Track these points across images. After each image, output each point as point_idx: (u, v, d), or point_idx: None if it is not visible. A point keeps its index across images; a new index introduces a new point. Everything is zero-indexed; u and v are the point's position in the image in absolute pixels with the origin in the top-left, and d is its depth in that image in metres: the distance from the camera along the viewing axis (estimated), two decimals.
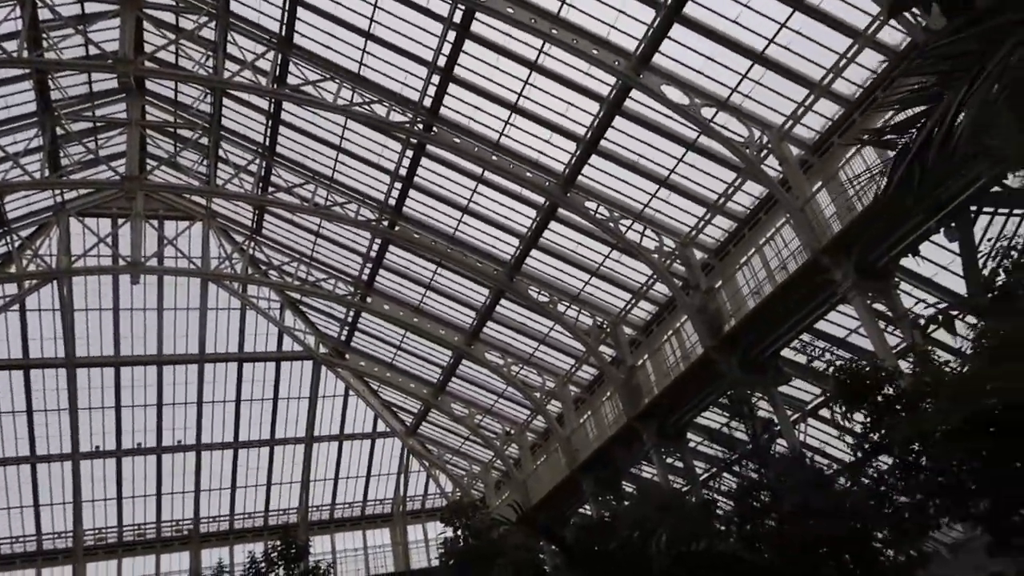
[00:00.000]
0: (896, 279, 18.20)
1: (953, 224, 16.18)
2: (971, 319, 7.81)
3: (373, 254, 29.64)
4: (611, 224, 23.09)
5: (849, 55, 18.16)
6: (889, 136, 5.15)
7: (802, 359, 22.19)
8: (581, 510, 30.45)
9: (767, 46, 18.60)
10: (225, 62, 23.83)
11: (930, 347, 8.97)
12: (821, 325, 20.92)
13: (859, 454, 8.91)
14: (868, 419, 8.71)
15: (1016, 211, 17.45)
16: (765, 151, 19.72)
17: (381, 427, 38.36)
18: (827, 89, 18.86)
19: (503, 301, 29.03)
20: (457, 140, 23.17)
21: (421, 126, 23.18)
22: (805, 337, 21.24)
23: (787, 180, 19.49)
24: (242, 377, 35.09)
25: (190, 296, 33.39)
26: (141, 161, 28.59)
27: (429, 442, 38.57)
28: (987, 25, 4.21)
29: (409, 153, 25.03)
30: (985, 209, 17.57)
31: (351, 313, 33.28)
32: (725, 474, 24.88)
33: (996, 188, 16.45)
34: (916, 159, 4.56)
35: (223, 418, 35.60)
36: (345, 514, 39.43)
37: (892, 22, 16.95)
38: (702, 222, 23.00)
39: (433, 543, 36.63)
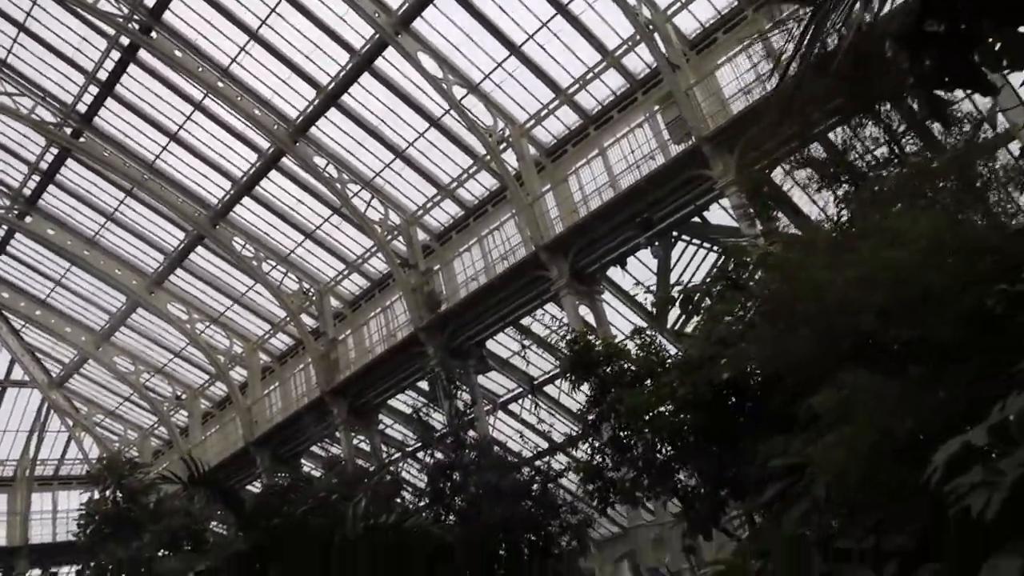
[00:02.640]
0: (601, 287, 19.47)
1: (657, 243, 17.69)
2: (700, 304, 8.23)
3: (44, 165, 24.85)
4: (338, 185, 21.83)
5: (596, 71, 19.14)
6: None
7: (504, 352, 22.98)
8: (250, 487, 28.33)
9: (526, 41, 18.91)
10: None
11: (651, 333, 9.38)
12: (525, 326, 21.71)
13: (581, 429, 8.95)
14: (593, 393, 8.81)
15: (706, 243, 19.68)
16: (505, 144, 20.00)
17: (18, 374, 32.36)
18: (571, 97, 19.69)
19: (200, 249, 26.09)
20: (179, 54, 20.27)
21: (137, 26, 19.91)
22: (509, 331, 21.97)
23: (521, 176, 19.95)
24: None
25: None
26: None
27: (78, 398, 33.37)
28: None
29: (115, 55, 21.37)
30: (684, 236, 19.57)
31: (1, 229, 27.53)
32: (418, 456, 24.88)
33: (696, 220, 18.38)
34: None
35: None
36: None
37: (638, 49, 18.22)
38: (431, 203, 22.72)
39: (64, 516, 31.59)
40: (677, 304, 8.71)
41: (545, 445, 23.66)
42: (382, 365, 22.73)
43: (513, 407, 25.18)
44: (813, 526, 5.07)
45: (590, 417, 8.81)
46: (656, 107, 17.36)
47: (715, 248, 19.36)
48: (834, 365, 5.40)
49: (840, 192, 6.43)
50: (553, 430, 22.70)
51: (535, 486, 16.53)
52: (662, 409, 7.86)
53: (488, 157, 20.11)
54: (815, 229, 6.35)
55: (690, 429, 7.36)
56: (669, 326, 14.80)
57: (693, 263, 19.56)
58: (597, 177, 19.11)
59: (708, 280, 8.50)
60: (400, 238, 22.80)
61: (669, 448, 8.00)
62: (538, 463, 18.43)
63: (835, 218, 6.55)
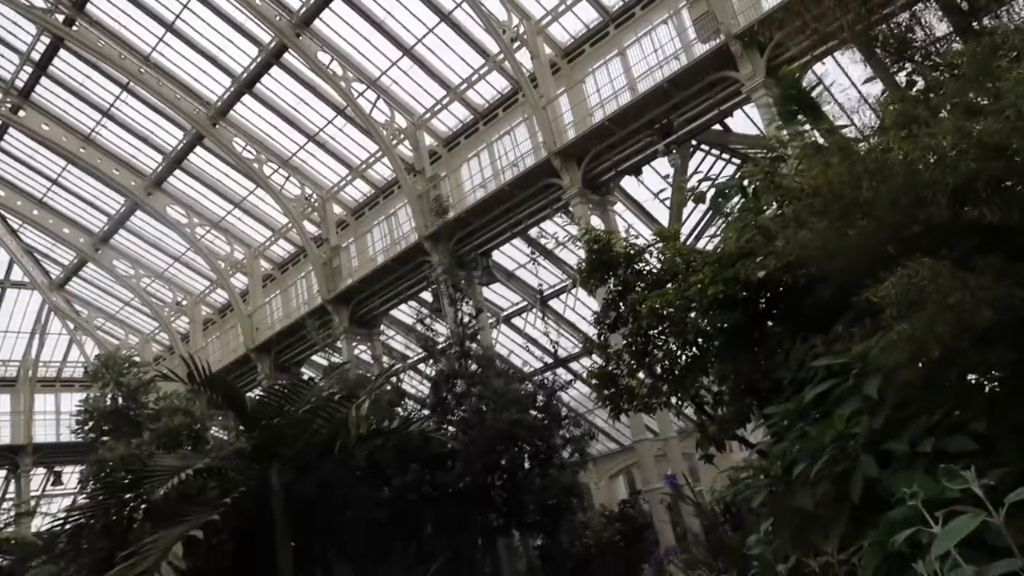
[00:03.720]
0: (614, 197, 18.76)
1: (675, 151, 16.87)
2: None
3: (36, 55, 23.74)
4: (342, 84, 20.82)
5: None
6: None
7: (510, 264, 22.45)
8: (250, 394, 28.29)
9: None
10: None
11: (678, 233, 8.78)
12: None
13: (598, 333, 8.44)
14: (611, 295, 8.25)
15: (725, 153, 18.84)
16: (519, 42, 18.88)
17: (17, 275, 31.99)
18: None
19: (199, 150, 25.24)
20: None
21: None
22: (517, 242, 21.37)
23: (535, 77, 18.90)
24: None
25: None
26: None
27: (78, 301, 33.09)
28: None
29: None
30: (703, 146, 18.72)
31: None
32: (419, 367, 24.67)
33: (718, 127, 17.50)
34: None
35: None
36: None
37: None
38: (439, 105, 21.74)
39: (67, 416, 31.74)
40: (708, 199, 8.07)
41: (549, 360, 23.41)
42: (385, 274, 22.23)
43: (517, 321, 24.82)
44: (863, 427, 4.57)
45: (607, 320, 8.25)
46: (683, 2, 16.23)
47: (734, 159, 18.54)
48: (896, 257, 4.81)
49: (909, 66, 5.69)
50: (558, 346, 22.35)
51: (540, 397, 16.34)
52: (688, 310, 7.33)
53: (501, 56, 19.07)
54: (881, 109, 5.61)
55: (718, 331, 6.82)
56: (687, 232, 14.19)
57: (711, 175, 18.75)
58: (615, 80, 18.13)
59: (739, 175, 7.79)
60: (406, 143, 21.94)
61: (693, 351, 7.50)
62: (542, 377, 18.20)
63: (899, 99, 5.81)
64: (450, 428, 14.44)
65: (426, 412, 15.18)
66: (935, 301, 4.10)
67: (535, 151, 18.91)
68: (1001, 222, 4.57)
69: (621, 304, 8.33)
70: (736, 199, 7.81)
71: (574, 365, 22.56)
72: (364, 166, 23.99)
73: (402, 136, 21.77)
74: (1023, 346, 4.03)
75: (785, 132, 7.94)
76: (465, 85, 20.97)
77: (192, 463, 10.45)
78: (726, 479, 6.33)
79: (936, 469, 4.23)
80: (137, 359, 24.78)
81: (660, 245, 8.62)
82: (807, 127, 7.65)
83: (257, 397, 13.87)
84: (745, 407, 6.47)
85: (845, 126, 7.23)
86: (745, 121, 17.21)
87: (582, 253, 9.21)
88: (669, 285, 7.86)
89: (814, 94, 8.13)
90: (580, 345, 23.07)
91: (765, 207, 6.96)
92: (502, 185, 19.10)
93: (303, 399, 11.54)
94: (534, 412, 15.50)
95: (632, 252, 8.39)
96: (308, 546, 12.29)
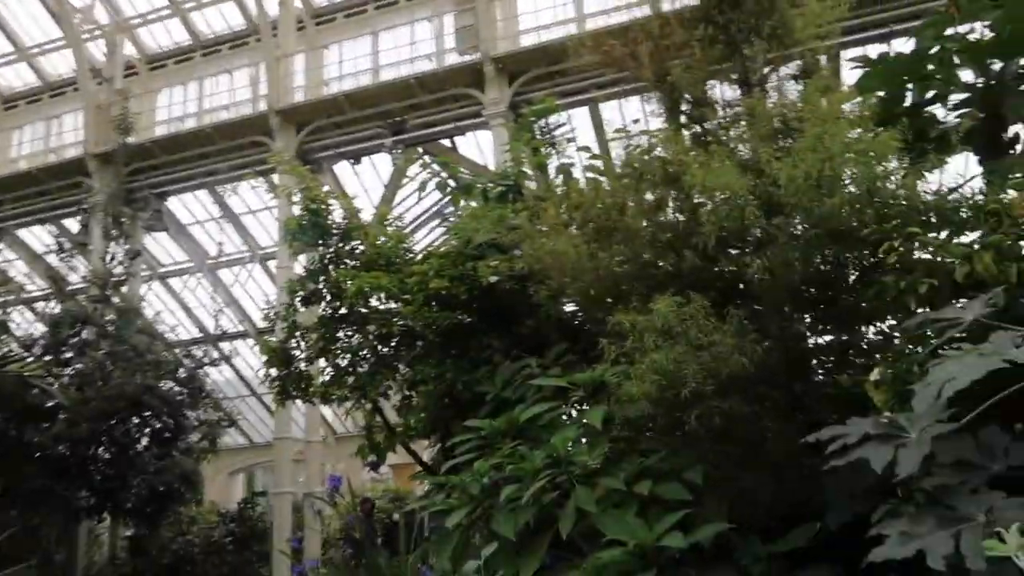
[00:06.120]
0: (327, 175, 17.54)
1: (401, 151, 16.26)
2: None
3: None
4: None
5: None
6: None
7: (186, 218, 19.89)
8: None
9: None
10: None
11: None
12: None
13: (288, 303, 7.28)
14: (316, 264, 7.22)
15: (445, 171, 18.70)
16: None
17: None
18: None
19: None
20: None
21: None
22: (201, 194, 19.02)
23: (276, 26, 17.14)
24: None
25: None
26: None
27: None
28: None
29: None
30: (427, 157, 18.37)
31: None
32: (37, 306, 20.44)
33: (447, 142, 17.28)
34: None
35: None
36: None
37: None
38: (155, 14, 18.73)
39: None
40: (446, 192, 7.53)
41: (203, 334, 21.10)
42: (24, 183, 18.27)
43: (176, 283, 21.97)
44: (579, 457, 4.19)
45: (303, 291, 7.17)
46: (450, 7, 15.87)
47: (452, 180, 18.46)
48: (647, 291, 4.60)
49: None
50: (219, 319, 20.20)
51: (183, 368, 14.36)
52: (401, 301, 6.62)
53: None
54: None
55: (429, 330, 6.18)
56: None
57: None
58: (359, 59, 17.14)
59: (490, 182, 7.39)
60: (101, 43, 18.48)
61: (392, 346, 6.77)
62: (195, 349, 16.15)
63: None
64: (64, 380, 11.90)
65: (35, 354, 12.41)
66: (688, 340, 3.89)
67: (254, 102, 17.05)
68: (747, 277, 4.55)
69: (324, 278, 7.34)
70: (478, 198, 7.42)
71: (226, 346, 20.56)
72: (37, 51, 19.72)
73: (97, 33, 18.31)
74: (754, 401, 3.97)
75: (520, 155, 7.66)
76: (194, 3, 18.34)
77: None
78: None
79: (648, 511, 4.01)
80: None
81: (380, 227, 7.86)
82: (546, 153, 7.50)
83: None
84: (444, 417, 5.87)
85: (599, 156, 7.14)
86: (474, 148, 17.23)
87: (291, 212, 8.09)
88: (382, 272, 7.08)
89: (558, 132, 8.10)
90: (242, 326, 21.13)
91: (515, 213, 6.54)
92: (205, 126, 16.85)
93: None
94: (172, 383, 13.52)
95: (352, 226, 7.48)
96: None
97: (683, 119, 5.56)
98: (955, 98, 5.30)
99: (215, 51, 18.61)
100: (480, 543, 4.23)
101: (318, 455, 16.91)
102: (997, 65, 5.11)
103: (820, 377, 4.82)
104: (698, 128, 5.44)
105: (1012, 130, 5.21)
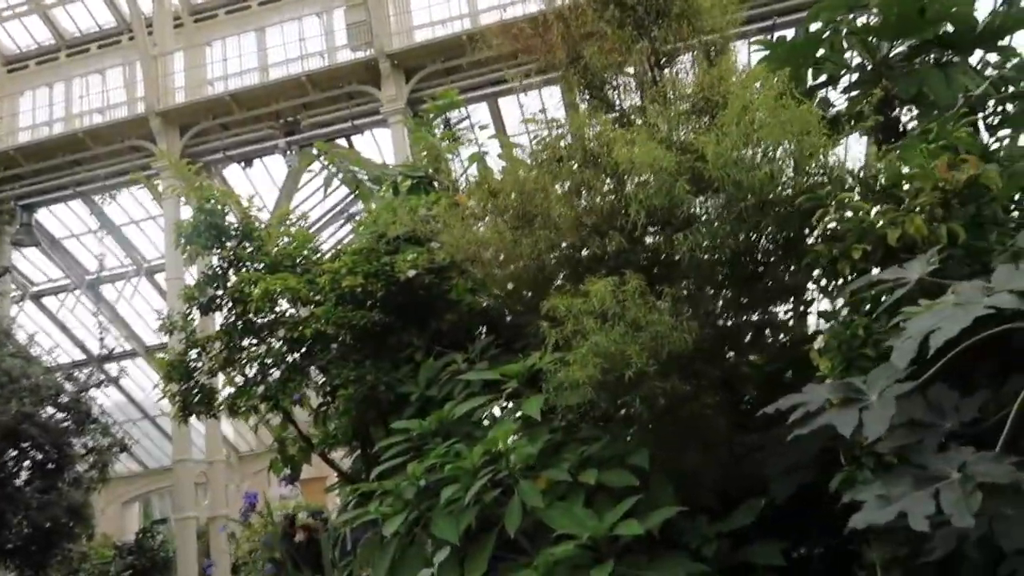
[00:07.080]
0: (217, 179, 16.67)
1: (295, 152, 15.65)
2: None
3: None
4: None
5: None
6: None
7: (60, 232, 18.59)
8: None
9: None
10: None
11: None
12: None
13: (185, 312, 6.73)
14: (213, 269, 6.71)
15: (342, 171, 18.19)
16: None
17: None
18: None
19: None
20: None
21: None
22: (76, 204, 17.72)
23: (152, 24, 16.14)
24: None
25: None
26: None
27: None
28: None
29: None
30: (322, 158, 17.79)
31: None
32: None
33: (343, 141, 16.77)
34: None
35: None
36: None
37: None
38: (10, 10, 17.27)
39: None
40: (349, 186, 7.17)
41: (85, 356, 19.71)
42: None
43: (51, 302, 20.36)
44: (520, 451, 3.99)
45: (201, 298, 6.64)
46: (342, 4, 15.35)
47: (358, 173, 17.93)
48: (576, 274, 4.48)
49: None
50: (104, 339, 18.88)
51: (65, 393, 13.28)
52: (311, 303, 6.25)
53: None
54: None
55: (345, 331, 5.85)
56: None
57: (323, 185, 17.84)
58: (245, 56, 16.38)
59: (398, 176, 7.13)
60: None
61: (303, 351, 6.37)
62: (77, 372, 14.98)
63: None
64: None
65: None
66: (626, 321, 3.77)
67: (130, 105, 15.99)
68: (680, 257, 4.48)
69: (223, 283, 6.83)
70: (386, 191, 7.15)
71: (113, 367, 19.23)
72: None
73: None
74: (696, 378, 3.89)
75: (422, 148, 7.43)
76: (55, 0, 17.03)
77: None
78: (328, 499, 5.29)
79: (594, 501, 3.86)
80: None
81: (282, 227, 7.42)
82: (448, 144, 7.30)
83: None
84: (366, 420, 5.56)
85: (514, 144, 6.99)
86: (372, 146, 16.78)
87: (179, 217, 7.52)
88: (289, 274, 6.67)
89: (461, 125, 7.93)
90: (129, 344, 19.84)
91: (430, 204, 6.27)
92: (76, 131, 15.65)
93: None
94: (54, 409, 12.47)
95: (251, 227, 7.00)
96: None
97: (600, 101, 5.46)
98: (846, 81, 5.45)
99: (83, 50, 17.34)
100: (416, 552, 3.97)
101: (221, 476, 16.08)
102: (885, 48, 5.29)
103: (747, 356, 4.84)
104: (616, 110, 5.35)
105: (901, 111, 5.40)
